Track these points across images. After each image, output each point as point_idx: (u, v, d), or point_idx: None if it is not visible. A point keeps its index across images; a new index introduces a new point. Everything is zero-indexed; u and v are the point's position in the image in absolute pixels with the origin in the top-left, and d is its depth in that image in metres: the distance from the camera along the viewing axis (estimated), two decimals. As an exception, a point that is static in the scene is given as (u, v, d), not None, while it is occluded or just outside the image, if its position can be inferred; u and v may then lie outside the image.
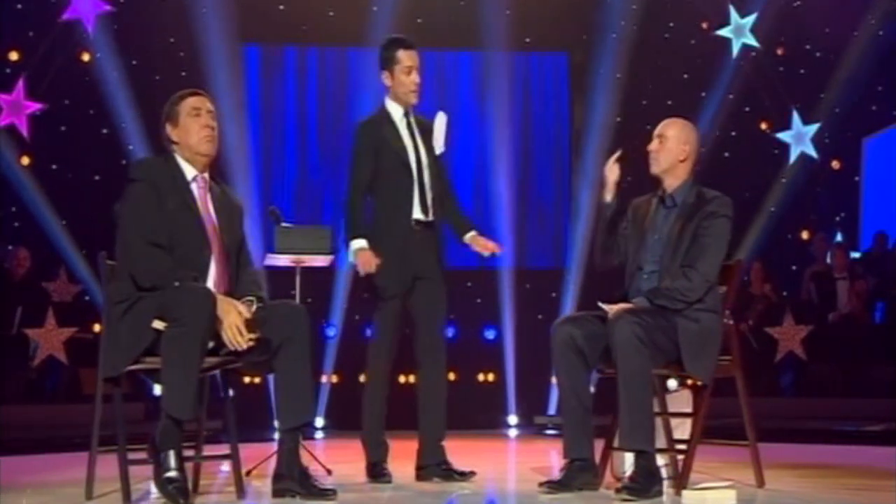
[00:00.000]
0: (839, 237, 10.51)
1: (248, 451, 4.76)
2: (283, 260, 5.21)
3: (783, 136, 10.23)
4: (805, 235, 10.59)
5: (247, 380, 8.21)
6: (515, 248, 9.61)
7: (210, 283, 3.62)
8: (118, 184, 3.70)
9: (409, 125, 4.53)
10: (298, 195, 10.21)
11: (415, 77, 4.48)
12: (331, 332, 9.38)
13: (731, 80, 10.04)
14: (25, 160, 9.39)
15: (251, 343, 3.50)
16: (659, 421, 3.90)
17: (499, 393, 9.48)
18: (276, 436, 3.72)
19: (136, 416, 7.11)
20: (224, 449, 3.84)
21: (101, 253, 3.71)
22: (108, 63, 9.25)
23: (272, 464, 3.74)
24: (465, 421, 7.56)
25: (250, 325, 3.50)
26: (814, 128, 10.14)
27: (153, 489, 3.65)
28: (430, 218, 4.48)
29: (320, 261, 5.26)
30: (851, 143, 10.77)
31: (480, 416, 8.86)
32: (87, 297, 9.09)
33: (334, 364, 9.36)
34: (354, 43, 9.58)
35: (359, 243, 4.35)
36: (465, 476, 4.39)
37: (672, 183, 3.98)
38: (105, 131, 9.35)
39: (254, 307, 3.57)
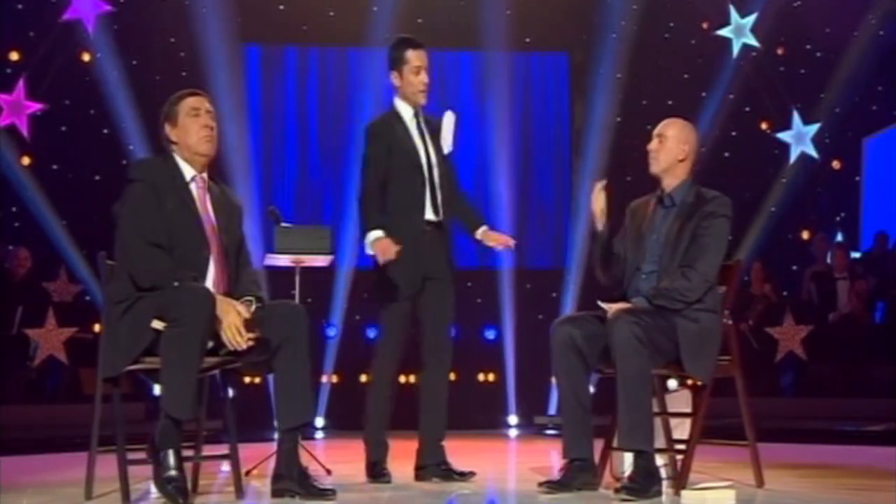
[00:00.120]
0: (839, 237, 10.51)
1: (248, 451, 4.77)
2: (282, 260, 5.20)
3: (783, 135, 10.22)
4: (805, 235, 10.60)
5: (247, 380, 8.21)
6: (516, 248, 9.59)
7: (209, 283, 3.62)
8: (119, 184, 3.70)
9: (418, 125, 4.52)
10: (299, 195, 10.22)
11: (423, 77, 4.47)
12: (331, 332, 9.39)
13: (731, 79, 10.05)
14: (26, 160, 9.40)
15: (250, 343, 3.50)
16: (658, 421, 3.90)
17: (499, 393, 9.48)
18: (276, 436, 3.71)
19: (137, 416, 7.11)
20: (224, 449, 3.84)
21: (101, 253, 3.71)
22: (108, 63, 9.26)
23: (272, 464, 3.74)
24: (466, 421, 7.56)
25: (249, 325, 3.50)
26: (814, 128, 10.13)
27: (153, 489, 3.65)
28: (441, 218, 4.47)
29: (320, 261, 5.26)
30: (852, 143, 10.77)
31: (481, 416, 8.86)
32: (87, 297, 9.10)
33: (334, 364, 9.36)
34: (355, 43, 9.60)
35: (375, 233, 4.31)
36: (464, 476, 4.39)
37: (671, 182, 3.98)
38: (105, 131, 9.35)
39: (253, 307, 3.57)
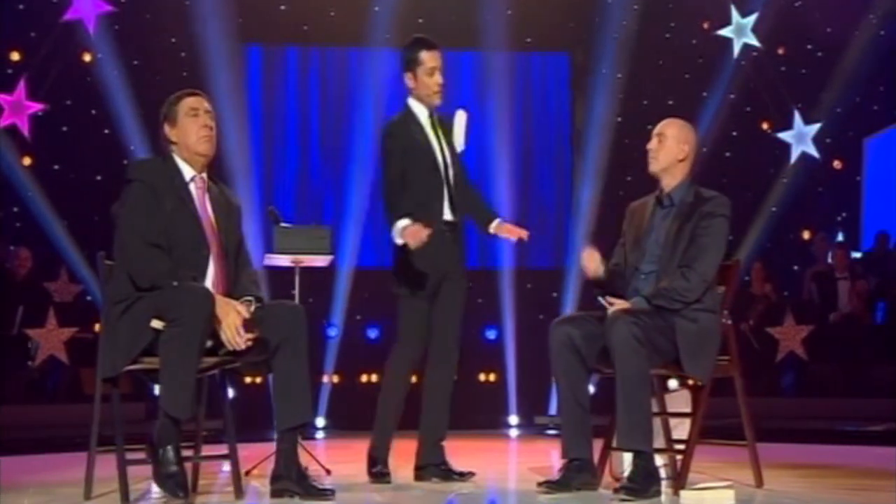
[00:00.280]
0: (840, 237, 10.51)
1: (248, 450, 4.79)
2: (282, 260, 5.20)
3: (784, 135, 10.21)
4: (806, 235, 10.59)
5: (248, 380, 8.22)
6: (516, 248, 9.61)
7: (208, 283, 3.63)
8: (119, 184, 3.70)
9: (433, 125, 4.50)
10: (299, 195, 10.22)
11: (438, 78, 4.44)
12: (332, 332, 9.39)
13: (732, 79, 10.04)
14: (27, 160, 9.40)
15: (249, 343, 3.50)
16: (658, 421, 3.90)
17: (500, 393, 9.48)
18: (275, 436, 3.72)
19: (137, 416, 7.11)
20: (224, 449, 3.84)
21: (100, 253, 3.72)
22: (109, 63, 9.26)
23: (272, 464, 3.74)
24: (466, 421, 7.55)
25: (249, 325, 3.50)
26: (815, 127, 10.12)
27: (152, 489, 3.66)
28: (456, 218, 4.45)
29: (319, 261, 5.26)
30: (853, 142, 10.77)
31: (481, 416, 8.85)
32: (88, 298, 9.10)
33: (335, 364, 9.36)
34: (356, 43, 9.60)
35: (403, 221, 4.22)
36: (463, 476, 4.38)
37: (670, 182, 3.98)
38: (106, 131, 9.35)
39: (252, 307, 3.58)
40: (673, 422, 4.11)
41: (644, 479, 3.63)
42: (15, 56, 9.40)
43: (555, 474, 3.95)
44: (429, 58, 4.43)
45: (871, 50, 9.96)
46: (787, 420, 7.79)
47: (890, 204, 10.47)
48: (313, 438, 7.65)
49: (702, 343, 3.79)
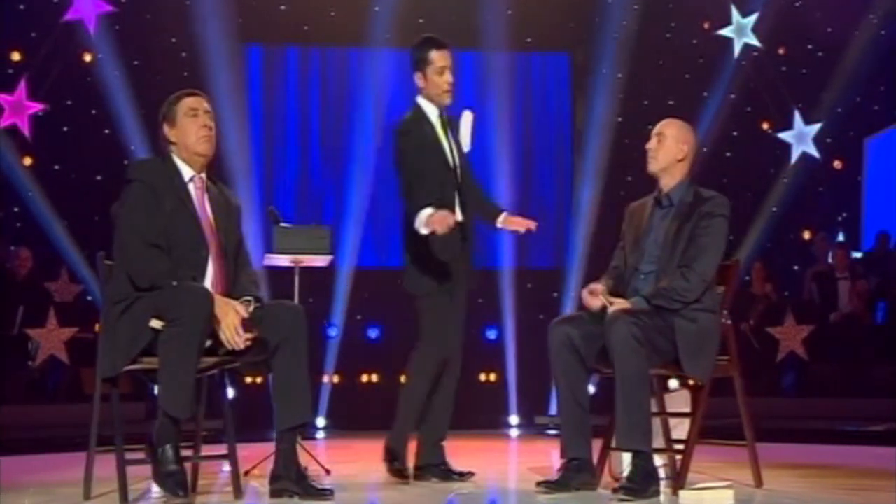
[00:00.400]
0: (841, 237, 10.51)
1: (248, 450, 4.79)
2: (281, 260, 5.20)
3: (785, 135, 10.21)
4: (806, 235, 10.59)
5: (248, 380, 8.22)
6: (516, 248, 9.61)
7: (208, 282, 3.63)
8: (119, 184, 3.70)
9: (443, 125, 4.49)
10: (300, 195, 10.22)
11: (448, 77, 4.42)
12: (332, 332, 9.39)
13: (732, 79, 10.04)
14: (27, 161, 9.41)
15: (248, 343, 3.51)
16: (657, 421, 3.90)
17: (500, 393, 9.48)
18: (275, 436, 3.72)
19: (137, 416, 7.11)
20: (223, 449, 3.84)
21: (100, 253, 3.72)
22: (109, 63, 9.26)
23: (271, 464, 3.75)
24: (466, 421, 7.54)
25: (248, 324, 3.51)
26: (815, 127, 10.12)
27: (152, 488, 3.66)
28: (465, 219, 4.43)
29: (319, 261, 5.25)
30: (853, 142, 10.77)
31: (481, 416, 8.85)
32: (88, 298, 9.11)
33: (335, 364, 9.37)
34: (356, 43, 9.60)
35: (428, 210, 4.15)
36: (463, 476, 4.38)
37: (669, 182, 3.98)
38: (107, 132, 9.35)
39: (251, 307, 3.58)
40: (672, 422, 4.11)
41: (643, 479, 3.63)
42: (15, 56, 9.41)
43: (554, 474, 3.95)
44: (439, 57, 4.41)
45: (871, 50, 9.95)
46: (787, 420, 7.79)
47: (890, 204, 10.47)
48: (313, 438, 7.65)
49: (701, 343, 3.79)
